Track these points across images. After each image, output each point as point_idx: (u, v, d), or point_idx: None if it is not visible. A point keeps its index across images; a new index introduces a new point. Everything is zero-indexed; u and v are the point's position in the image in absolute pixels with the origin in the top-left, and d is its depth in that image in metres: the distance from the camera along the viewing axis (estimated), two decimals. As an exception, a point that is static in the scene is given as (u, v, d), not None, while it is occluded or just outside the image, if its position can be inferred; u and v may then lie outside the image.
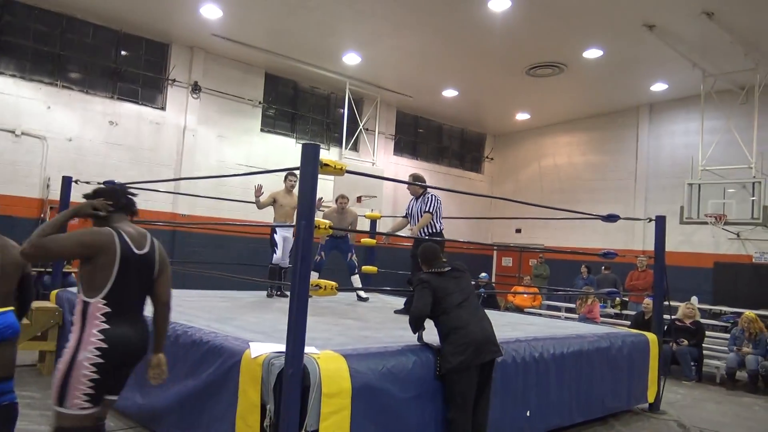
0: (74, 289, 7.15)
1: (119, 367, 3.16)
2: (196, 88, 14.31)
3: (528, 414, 5.20)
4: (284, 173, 8.33)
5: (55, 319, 6.42)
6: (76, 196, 7.88)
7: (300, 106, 16.58)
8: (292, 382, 3.65)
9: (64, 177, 7.62)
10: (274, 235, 8.23)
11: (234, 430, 3.86)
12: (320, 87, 16.70)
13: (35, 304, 6.62)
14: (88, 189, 3.56)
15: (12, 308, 3.75)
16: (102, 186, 3.53)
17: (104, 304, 3.04)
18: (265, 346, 4.03)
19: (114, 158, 13.15)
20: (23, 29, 12.48)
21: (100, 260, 3.03)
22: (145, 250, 3.27)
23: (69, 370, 2.97)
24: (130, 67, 13.81)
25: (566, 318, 12.25)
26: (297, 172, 7.23)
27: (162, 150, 13.89)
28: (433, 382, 4.40)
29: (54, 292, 6.91)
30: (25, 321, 6.44)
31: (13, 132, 12.11)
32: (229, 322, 5.24)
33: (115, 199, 3.31)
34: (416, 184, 7.21)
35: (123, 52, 13.80)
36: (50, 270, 8.39)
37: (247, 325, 5.18)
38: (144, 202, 12.95)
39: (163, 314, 3.48)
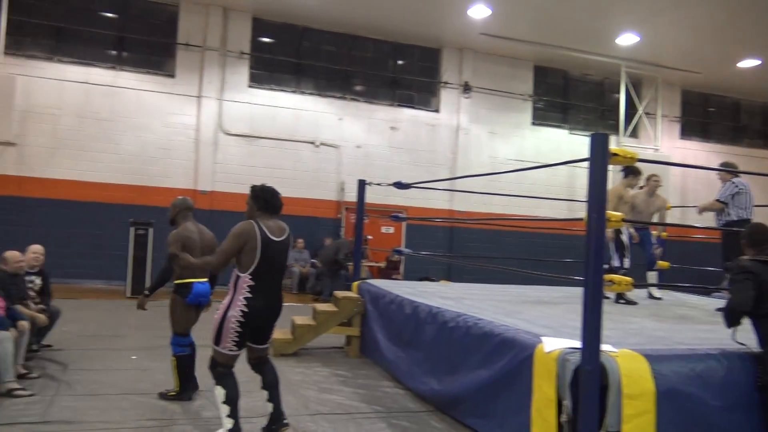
0: (373, 281, 7.92)
1: (256, 326, 4.10)
2: (467, 88, 14.77)
3: None
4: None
5: (358, 308, 7.17)
6: (370, 197, 8.75)
7: (571, 95, 16.06)
8: (590, 380, 3.53)
9: (359, 180, 8.44)
10: (621, 236, 7.07)
11: (530, 422, 3.87)
12: (592, 73, 15.97)
13: (342, 293, 7.49)
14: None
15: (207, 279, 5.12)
16: (255, 187, 4.26)
17: (250, 279, 3.98)
18: (557, 342, 3.96)
19: (396, 161, 14.25)
20: (318, 52, 14.23)
21: (248, 246, 3.95)
22: (282, 238, 4.12)
23: (222, 322, 4.00)
24: (406, 74, 14.83)
25: None
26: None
27: (438, 150, 14.64)
28: (753, 393, 3.87)
29: (355, 284, 7.71)
30: (331, 308, 7.32)
31: (313, 143, 13.89)
32: (515, 316, 5.28)
33: (258, 202, 4.14)
34: (721, 170, 6.58)
35: (399, 62, 14.88)
36: (351, 263, 9.35)
37: (534, 319, 5.15)
38: (424, 200, 13.86)
39: None
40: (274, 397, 4.32)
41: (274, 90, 13.85)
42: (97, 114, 12.47)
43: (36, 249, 6.43)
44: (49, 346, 6.53)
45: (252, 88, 13.64)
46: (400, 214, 8.31)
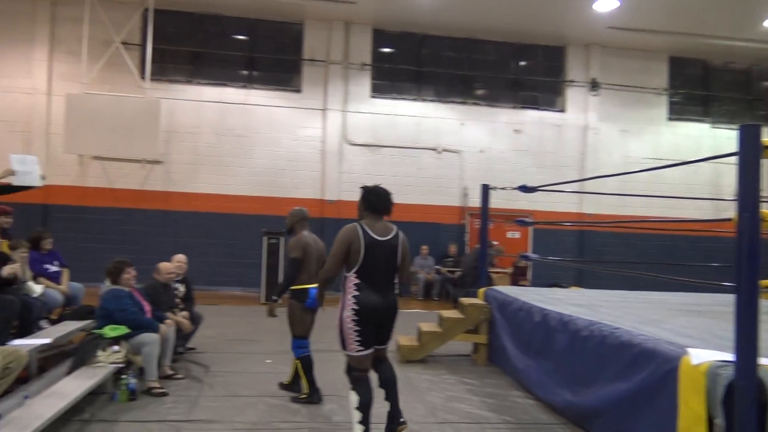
0: (499, 288, 7.73)
1: (372, 323, 4.11)
2: (594, 85, 14.13)
3: None
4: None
5: (484, 315, 7.02)
6: (494, 202, 8.57)
7: (713, 86, 14.89)
8: (746, 397, 3.19)
9: (482, 185, 8.28)
10: None
11: (676, 442, 3.56)
12: (736, 61, 14.72)
13: (467, 300, 7.38)
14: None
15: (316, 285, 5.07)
16: (364, 188, 4.37)
17: (356, 277, 4.10)
18: (706, 353, 3.62)
19: (520, 164, 13.91)
20: (438, 58, 14.25)
21: (352, 247, 4.08)
22: (388, 237, 4.18)
23: (341, 325, 4.13)
24: (529, 75, 14.45)
25: None
26: None
27: (564, 151, 14.13)
28: None
29: (481, 290, 7.55)
30: (457, 315, 7.23)
31: (434, 149, 13.90)
32: (656, 325, 4.90)
33: (364, 203, 4.28)
34: None
35: (521, 63, 14.53)
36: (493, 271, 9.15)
37: (678, 329, 4.75)
38: (551, 204, 13.40)
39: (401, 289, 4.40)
40: (391, 396, 4.33)
41: (396, 99, 14.03)
42: (231, 131, 13.26)
43: (180, 258, 6.91)
44: (193, 349, 6.99)
45: (374, 98, 13.90)
46: (525, 219, 8.08)
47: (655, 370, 3.88)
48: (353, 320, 4.07)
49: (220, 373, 6.16)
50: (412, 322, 7.63)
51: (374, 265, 4.11)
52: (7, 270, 5.67)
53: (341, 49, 13.61)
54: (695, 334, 4.54)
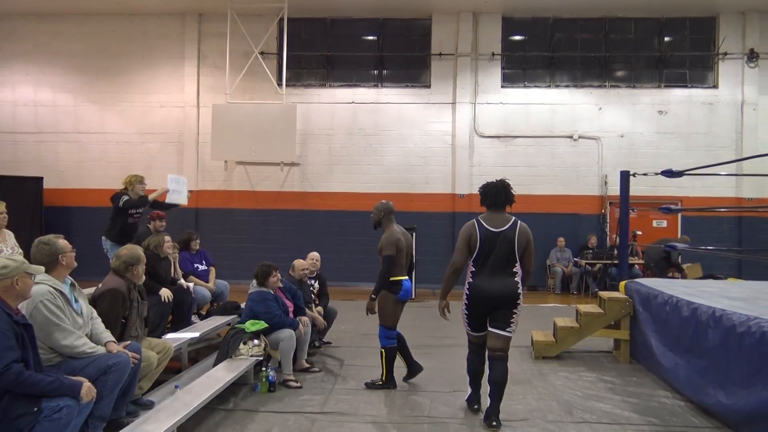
0: (643, 280, 7.23)
1: (481, 309, 4.59)
2: (752, 56, 12.80)
3: None
4: None
5: (625, 309, 6.58)
6: (637, 189, 8.01)
7: None
8: None
9: (621, 171, 7.79)
10: None
11: None
12: None
13: (607, 294, 6.97)
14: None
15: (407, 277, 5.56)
16: (487, 184, 4.74)
17: (473, 265, 4.59)
18: None
19: (666, 147, 12.98)
20: (572, 41, 13.62)
21: (472, 240, 4.57)
22: (503, 229, 4.55)
23: (462, 304, 4.69)
24: (675, 51, 13.40)
25: None
26: None
27: (717, 131, 12.98)
28: None
29: (623, 283, 7.08)
30: (595, 310, 6.85)
31: (571, 137, 13.31)
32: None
33: (481, 199, 4.74)
34: None
35: (666, 38, 13.51)
36: (617, 262, 8.68)
37: None
38: (703, 189, 12.36)
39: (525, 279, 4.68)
40: (494, 395, 4.54)
41: (527, 87, 13.59)
42: (363, 130, 13.55)
43: (313, 255, 7.16)
44: (328, 343, 7.23)
45: (505, 88, 13.55)
46: (672, 206, 7.46)
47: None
48: (465, 304, 4.65)
49: (354, 366, 6.30)
50: (548, 317, 7.35)
51: (490, 254, 4.54)
52: (165, 293, 6.05)
53: (470, 40, 13.42)
54: None
